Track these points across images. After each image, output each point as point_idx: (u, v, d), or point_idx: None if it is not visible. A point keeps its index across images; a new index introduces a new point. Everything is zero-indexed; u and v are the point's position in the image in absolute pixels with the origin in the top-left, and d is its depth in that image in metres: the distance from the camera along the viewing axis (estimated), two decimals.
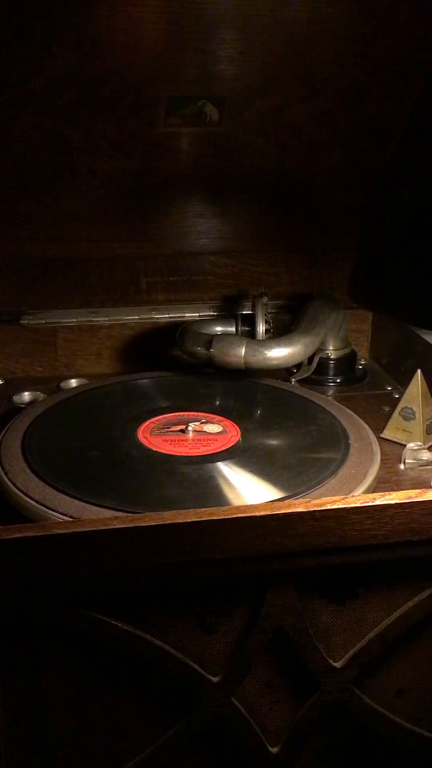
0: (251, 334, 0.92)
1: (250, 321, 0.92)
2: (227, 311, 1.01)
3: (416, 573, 0.61)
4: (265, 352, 0.85)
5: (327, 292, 0.99)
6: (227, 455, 0.72)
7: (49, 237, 0.92)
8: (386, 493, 0.56)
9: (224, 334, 0.90)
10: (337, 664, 0.61)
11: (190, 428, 0.76)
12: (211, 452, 0.73)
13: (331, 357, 0.96)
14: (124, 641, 0.57)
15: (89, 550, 0.52)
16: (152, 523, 0.52)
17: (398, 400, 0.80)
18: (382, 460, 0.73)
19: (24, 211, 0.88)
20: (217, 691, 0.60)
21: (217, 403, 0.84)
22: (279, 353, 0.86)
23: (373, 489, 0.69)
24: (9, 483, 0.66)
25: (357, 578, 0.60)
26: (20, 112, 0.78)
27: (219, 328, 0.93)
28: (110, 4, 0.70)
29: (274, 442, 0.76)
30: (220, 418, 0.80)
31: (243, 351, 0.85)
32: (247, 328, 0.92)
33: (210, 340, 0.86)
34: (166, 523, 0.52)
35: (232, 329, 0.93)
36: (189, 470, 0.69)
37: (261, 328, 0.91)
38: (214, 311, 1.00)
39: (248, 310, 0.99)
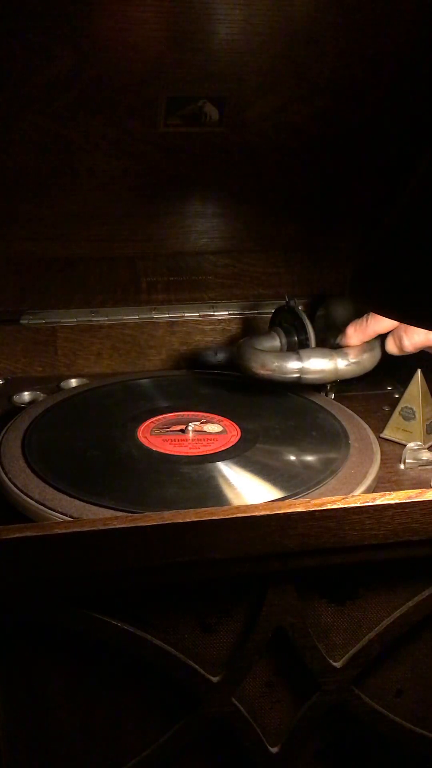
0: (297, 345, 0.89)
1: (294, 330, 0.90)
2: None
3: (416, 573, 0.61)
4: (358, 360, 0.83)
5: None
6: (227, 455, 0.72)
7: (49, 237, 0.92)
8: (386, 493, 0.56)
9: (313, 349, 0.85)
10: (337, 664, 0.61)
11: (190, 428, 0.76)
12: (211, 452, 0.73)
13: None
14: (124, 641, 0.57)
15: (89, 550, 0.52)
16: (152, 523, 0.52)
17: (398, 400, 0.80)
18: (382, 460, 0.73)
19: (24, 211, 0.88)
20: (217, 691, 0.60)
21: (217, 403, 0.84)
22: (368, 360, 0.84)
23: (373, 489, 0.69)
24: (9, 483, 0.66)
25: (357, 578, 0.60)
26: (20, 112, 0.78)
27: (267, 344, 0.89)
28: (110, 4, 0.70)
29: (274, 441, 0.76)
30: (220, 417, 0.80)
31: (336, 363, 0.82)
32: (293, 339, 0.89)
33: (298, 357, 0.82)
34: (166, 523, 0.52)
35: (277, 343, 0.90)
36: (189, 470, 0.69)
37: (312, 335, 0.88)
38: (214, 311, 1.00)
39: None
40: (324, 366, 0.82)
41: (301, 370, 0.81)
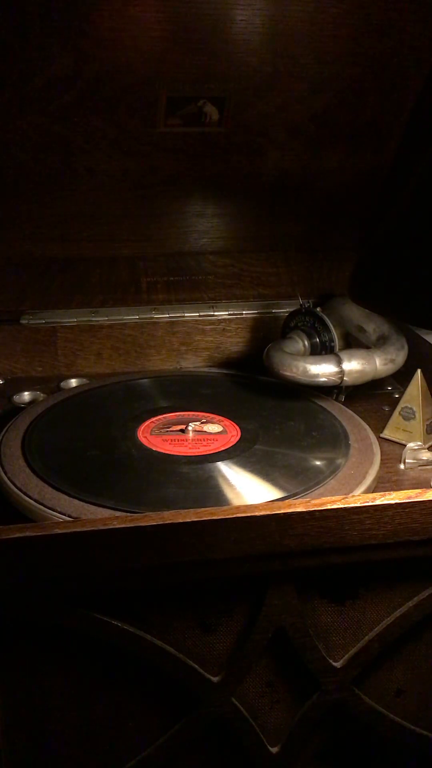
0: (320, 347, 0.89)
1: (315, 333, 0.89)
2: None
3: (416, 573, 0.61)
4: (394, 358, 0.82)
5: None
6: (227, 455, 0.72)
7: (49, 237, 0.92)
8: (386, 493, 0.56)
9: (352, 350, 0.84)
10: (337, 664, 0.61)
11: (190, 428, 0.76)
12: (211, 452, 0.73)
13: None
14: (124, 641, 0.57)
15: (89, 550, 0.52)
16: (152, 523, 0.52)
17: (398, 400, 0.80)
18: (382, 460, 0.73)
19: (24, 211, 0.88)
20: (217, 691, 0.60)
21: (218, 403, 0.84)
22: (401, 358, 0.83)
23: (373, 489, 0.69)
24: (9, 483, 0.66)
25: (357, 578, 0.60)
26: (20, 112, 0.78)
27: (292, 348, 0.88)
28: (110, 4, 0.70)
29: (274, 441, 0.76)
30: (220, 418, 0.80)
31: (376, 363, 0.81)
32: (315, 341, 0.89)
33: (338, 360, 0.81)
34: (166, 523, 0.52)
35: (301, 346, 0.89)
36: (189, 470, 0.69)
37: (336, 337, 0.88)
38: (214, 311, 1.00)
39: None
40: (365, 367, 0.81)
41: (344, 373, 0.81)
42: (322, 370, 0.81)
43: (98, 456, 0.72)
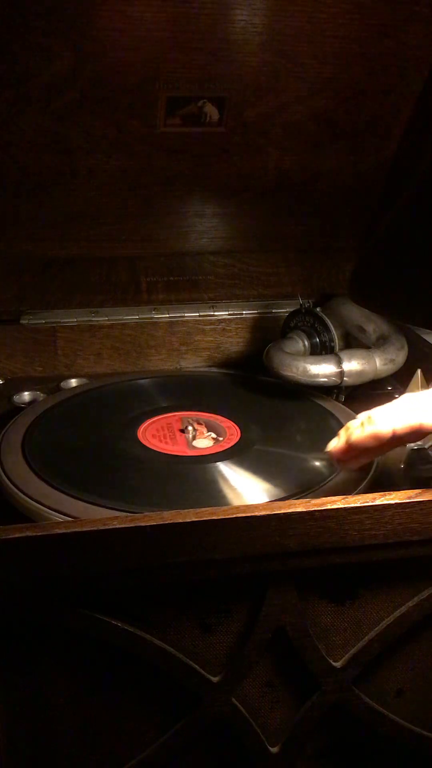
0: (320, 347, 0.89)
1: (314, 332, 0.90)
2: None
3: (416, 573, 0.61)
4: (394, 358, 0.83)
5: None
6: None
7: (49, 237, 0.92)
8: (386, 493, 0.56)
9: (352, 350, 0.84)
10: (337, 664, 0.61)
11: (190, 428, 0.76)
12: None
13: None
14: (124, 641, 0.57)
15: (89, 550, 0.52)
16: (152, 523, 0.52)
17: None
18: (382, 460, 0.73)
19: (24, 211, 0.88)
20: (217, 691, 0.60)
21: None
22: (401, 357, 0.83)
23: (373, 489, 0.69)
24: (9, 483, 0.66)
25: (357, 578, 0.60)
26: (20, 112, 0.78)
27: (292, 348, 0.88)
28: (110, 4, 0.70)
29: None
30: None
31: (376, 363, 0.81)
32: (315, 341, 0.89)
33: (338, 360, 0.81)
34: (166, 523, 0.52)
35: (300, 346, 0.89)
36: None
37: (335, 337, 0.88)
38: (214, 311, 1.00)
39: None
40: (365, 367, 0.81)
41: (344, 373, 0.81)
42: (322, 370, 0.81)
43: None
